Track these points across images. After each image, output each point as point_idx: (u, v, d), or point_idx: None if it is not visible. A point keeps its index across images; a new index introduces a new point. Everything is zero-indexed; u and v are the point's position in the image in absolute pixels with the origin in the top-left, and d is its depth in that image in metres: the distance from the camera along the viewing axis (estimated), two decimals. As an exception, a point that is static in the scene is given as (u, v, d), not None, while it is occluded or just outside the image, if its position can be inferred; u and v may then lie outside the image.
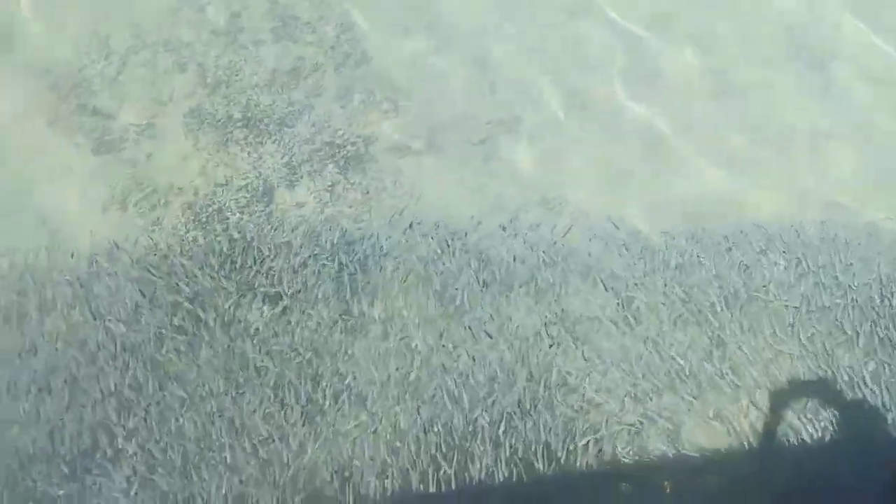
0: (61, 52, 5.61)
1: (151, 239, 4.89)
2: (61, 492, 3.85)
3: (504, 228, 5.05)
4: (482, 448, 4.01)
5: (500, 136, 5.51)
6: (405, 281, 4.71)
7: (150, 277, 4.62)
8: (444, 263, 4.80)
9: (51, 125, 5.28)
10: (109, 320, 4.43)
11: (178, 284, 4.57)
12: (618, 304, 4.67)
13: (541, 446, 4.02)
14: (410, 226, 5.00)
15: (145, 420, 4.08)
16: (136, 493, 3.88)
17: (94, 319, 4.44)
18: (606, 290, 4.73)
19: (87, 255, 4.76)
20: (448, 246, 4.89)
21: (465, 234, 4.99)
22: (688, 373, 4.35)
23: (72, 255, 4.76)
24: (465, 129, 5.54)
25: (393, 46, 5.90)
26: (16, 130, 5.24)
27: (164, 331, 4.40)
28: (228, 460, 3.97)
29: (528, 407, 4.17)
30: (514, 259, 4.85)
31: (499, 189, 5.27)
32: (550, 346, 4.47)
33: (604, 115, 5.68)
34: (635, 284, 4.75)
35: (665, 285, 4.75)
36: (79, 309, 4.49)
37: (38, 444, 3.98)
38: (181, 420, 4.08)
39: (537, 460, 3.98)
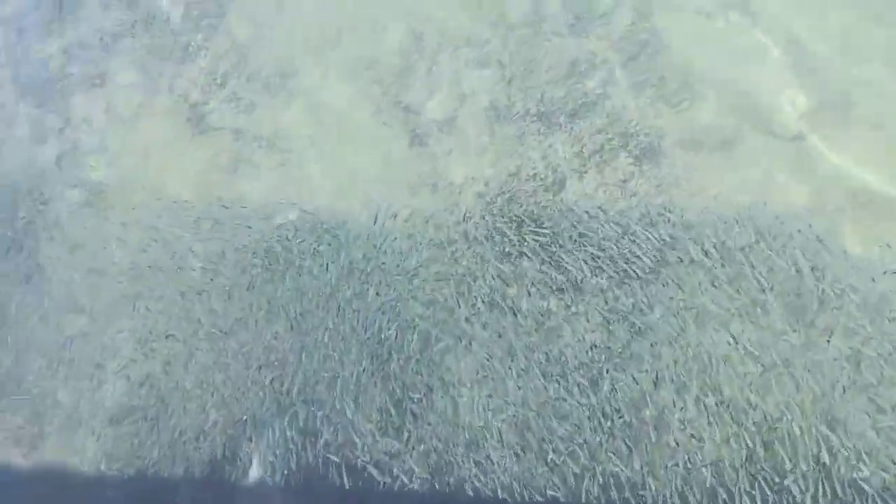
0: (384, 49, 6.31)
1: (447, 221, 5.41)
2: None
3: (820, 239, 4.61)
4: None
5: (818, 131, 5.01)
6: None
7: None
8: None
9: (374, 116, 6.02)
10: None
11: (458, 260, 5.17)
12: None
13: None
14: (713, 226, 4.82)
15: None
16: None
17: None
18: None
19: (401, 230, 5.45)
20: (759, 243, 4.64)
21: (775, 236, 4.67)
22: None
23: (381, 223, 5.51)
24: (773, 123, 5.13)
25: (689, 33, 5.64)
26: (348, 120, 6.08)
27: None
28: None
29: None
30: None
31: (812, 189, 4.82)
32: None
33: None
34: None
35: None
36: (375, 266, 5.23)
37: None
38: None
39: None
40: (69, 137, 6.62)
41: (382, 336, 5.01)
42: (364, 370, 4.95)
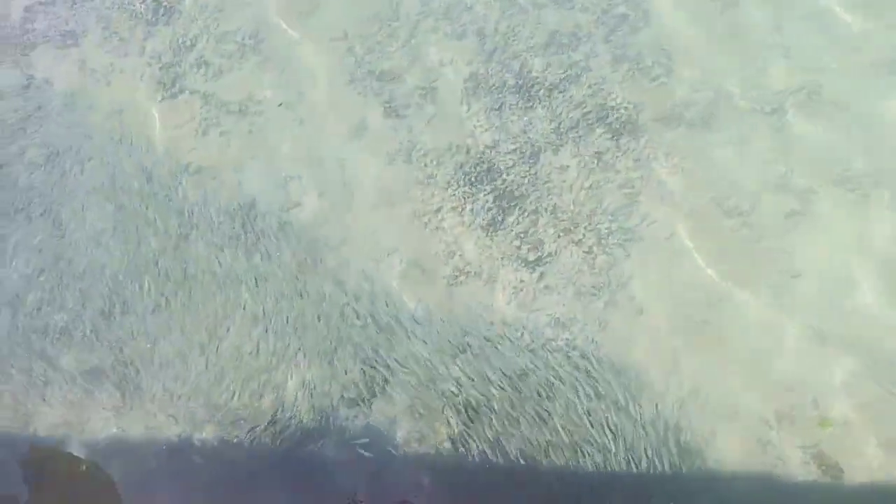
0: (357, 17, 6.13)
1: (423, 193, 5.34)
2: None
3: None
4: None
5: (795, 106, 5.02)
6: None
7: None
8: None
9: (349, 85, 5.86)
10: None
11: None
12: None
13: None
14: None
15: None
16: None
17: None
18: None
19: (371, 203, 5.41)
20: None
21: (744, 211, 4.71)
22: None
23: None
24: (753, 98, 5.12)
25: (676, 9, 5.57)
26: (321, 91, 5.92)
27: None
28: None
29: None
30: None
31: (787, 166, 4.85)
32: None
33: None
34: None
35: None
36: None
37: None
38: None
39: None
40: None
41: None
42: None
